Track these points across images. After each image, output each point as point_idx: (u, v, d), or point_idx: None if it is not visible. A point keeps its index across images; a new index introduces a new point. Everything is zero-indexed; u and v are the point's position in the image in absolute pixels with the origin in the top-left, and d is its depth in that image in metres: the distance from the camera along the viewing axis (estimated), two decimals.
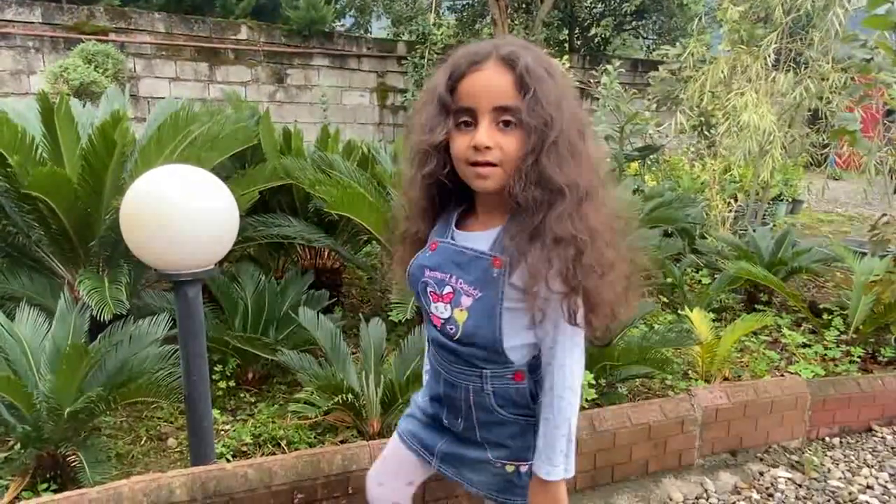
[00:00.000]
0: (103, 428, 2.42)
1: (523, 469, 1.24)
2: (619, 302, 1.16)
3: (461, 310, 1.15)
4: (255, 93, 8.87)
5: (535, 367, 1.20)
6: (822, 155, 5.83)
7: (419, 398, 1.41)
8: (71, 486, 2.00)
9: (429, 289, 1.20)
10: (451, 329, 1.18)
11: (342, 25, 11.72)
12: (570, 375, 1.14)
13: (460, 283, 1.15)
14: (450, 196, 1.22)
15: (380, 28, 12.14)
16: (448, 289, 1.17)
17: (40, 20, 7.48)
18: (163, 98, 6.91)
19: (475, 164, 1.08)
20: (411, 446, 1.37)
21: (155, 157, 2.70)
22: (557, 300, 1.10)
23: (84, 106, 3.31)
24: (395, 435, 1.42)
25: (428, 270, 1.20)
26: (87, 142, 2.50)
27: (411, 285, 1.26)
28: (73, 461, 2.03)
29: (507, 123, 1.06)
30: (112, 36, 7.81)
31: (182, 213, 1.58)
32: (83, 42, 7.09)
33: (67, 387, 1.97)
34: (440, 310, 1.19)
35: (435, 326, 1.22)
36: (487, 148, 1.05)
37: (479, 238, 1.17)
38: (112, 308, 2.23)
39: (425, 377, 1.43)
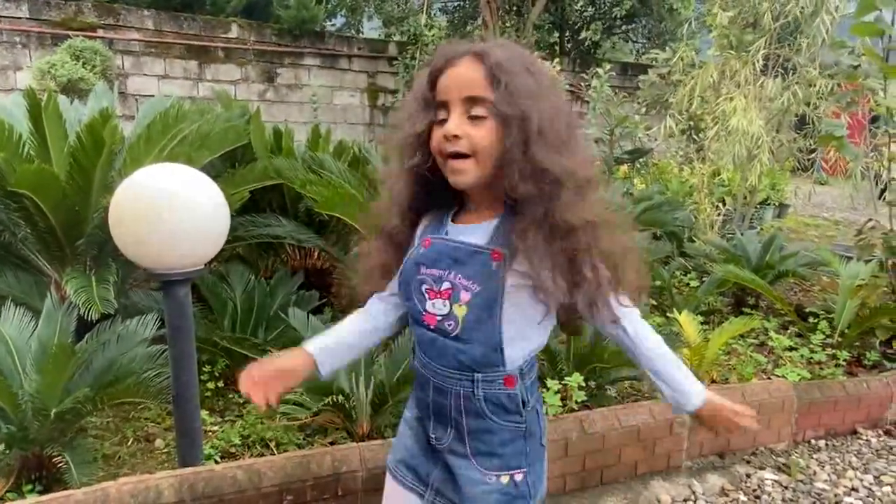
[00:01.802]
0: (90, 428, 2.40)
1: (518, 477, 1.22)
2: (642, 283, 1.21)
3: (460, 305, 1.15)
4: (244, 92, 8.82)
5: (525, 373, 1.20)
6: (808, 160, 5.89)
7: (407, 414, 1.37)
8: (56, 487, 1.97)
9: (424, 286, 1.19)
10: (450, 325, 1.16)
11: (333, 25, 11.68)
12: (648, 327, 1.27)
13: (458, 278, 1.15)
14: (433, 196, 1.22)
15: (371, 28, 12.12)
16: (446, 284, 1.16)
17: (27, 15, 7.39)
18: (151, 96, 6.86)
19: (449, 156, 1.11)
20: (404, 481, 1.31)
21: (144, 156, 2.68)
22: (594, 287, 1.12)
23: (72, 103, 3.28)
24: (387, 475, 1.36)
25: (424, 267, 1.19)
26: (74, 139, 2.47)
27: (402, 284, 1.24)
28: (59, 462, 2.01)
29: (478, 115, 1.08)
30: (100, 32, 7.74)
31: (172, 212, 1.57)
32: (71, 38, 7.02)
33: (53, 387, 1.95)
34: (437, 306, 1.17)
35: (428, 326, 1.20)
36: (456, 137, 1.08)
37: (475, 231, 1.17)
38: (99, 307, 2.21)
39: (412, 394, 1.37)
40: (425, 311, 1.19)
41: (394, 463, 1.35)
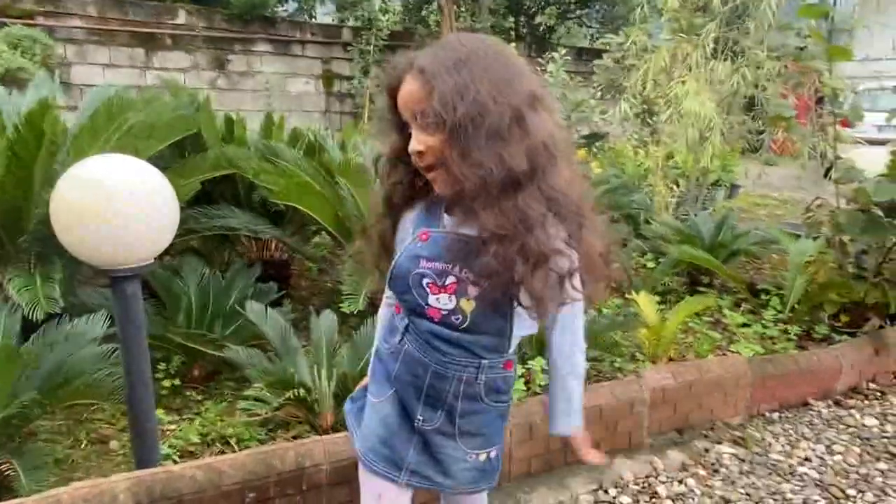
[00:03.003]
0: (40, 432, 2.31)
1: (493, 454, 1.31)
2: (605, 263, 1.21)
3: (468, 299, 1.15)
4: (194, 80, 8.58)
5: (515, 355, 1.29)
6: (758, 141, 6.03)
7: (374, 399, 1.33)
8: (6, 495, 1.89)
9: (426, 280, 1.17)
10: (457, 319, 1.17)
11: (285, 11, 11.42)
12: (580, 339, 1.32)
13: (465, 273, 1.14)
14: (421, 193, 1.24)
15: (324, 14, 11.89)
16: (451, 279, 1.15)
17: None
18: (96, 86, 6.60)
19: (424, 169, 1.14)
20: (375, 468, 1.29)
21: (88, 147, 2.58)
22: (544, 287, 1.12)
23: (10, 94, 3.13)
24: (360, 465, 1.34)
25: (424, 261, 1.17)
26: (13, 132, 2.36)
27: (398, 278, 1.21)
28: (7, 469, 1.93)
29: (427, 126, 1.09)
30: (40, 20, 7.41)
31: (117, 204, 1.50)
32: (8, 26, 6.70)
33: None
34: (442, 301, 1.17)
35: (432, 319, 1.19)
36: (420, 153, 1.11)
37: (475, 223, 1.14)
38: (45, 307, 2.13)
39: (375, 381, 1.34)
40: (428, 304, 1.18)
41: (364, 450, 1.33)
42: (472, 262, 1.12)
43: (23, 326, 2.21)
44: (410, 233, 1.23)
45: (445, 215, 1.20)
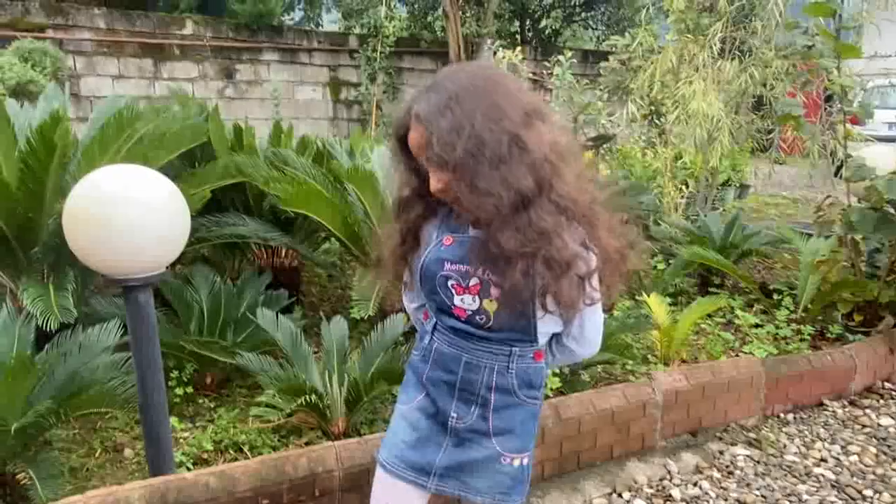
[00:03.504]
0: (55, 442, 2.32)
1: (526, 461, 1.32)
2: (622, 259, 1.23)
3: (491, 300, 1.21)
4: (203, 89, 8.63)
5: (546, 350, 1.32)
6: (767, 140, 6.00)
7: (403, 407, 1.36)
8: None
9: (451, 282, 1.23)
10: (482, 318, 1.23)
11: (291, 19, 11.49)
12: (597, 337, 1.33)
13: (488, 274, 1.19)
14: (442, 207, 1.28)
15: (330, 21, 11.96)
16: (475, 280, 1.21)
17: None
18: (106, 97, 6.66)
19: (450, 202, 1.20)
20: (402, 475, 1.31)
21: (99, 158, 2.60)
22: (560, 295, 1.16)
23: (21, 106, 3.16)
24: (378, 470, 1.36)
25: (449, 264, 1.23)
26: (25, 144, 2.38)
27: (426, 280, 1.27)
28: (23, 478, 1.94)
29: (435, 166, 1.14)
30: (49, 33, 7.49)
31: (128, 214, 1.51)
32: (18, 39, 6.77)
33: (13, 401, 1.88)
34: (467, 301, 1.23)
35: (458, 318, 1.25)
36: (441, 190, 1.16)
37: None
38: (58, 316, 2.14)
39: (413, 383, 1.37)
40: (454, 304, 1.24)
41: (389, 458, 1.34)
42: (495, 265, 1.16)
43: (37, 336, 2.23)
44: (434, 238, 1.28)
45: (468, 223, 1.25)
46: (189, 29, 8.53)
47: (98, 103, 6.68)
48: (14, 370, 1.86)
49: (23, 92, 5.92)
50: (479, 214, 1.12)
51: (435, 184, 1.16)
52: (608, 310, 2.90)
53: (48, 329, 2.14)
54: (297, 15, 11.71)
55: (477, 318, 1.23)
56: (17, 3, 7.34)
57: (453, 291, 1.23)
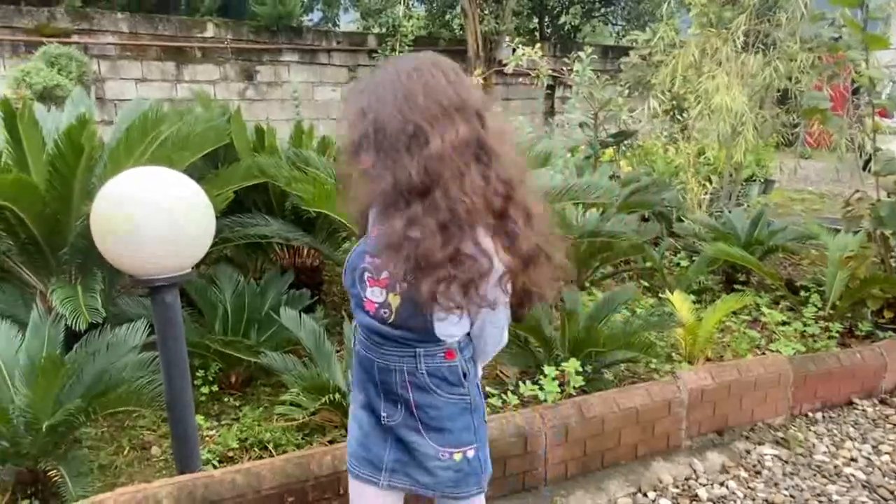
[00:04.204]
0: (84, 440, 2.37)
1: (470, 454, 1.29)
2: (547, 259, 1.21)
3: (395, 294, 1.20)
4: (224, 91, 8.71)
5: (463, 347, 1.28)
6: (792, 134, 5.90)
7: (353, 406, 1.39)
8: (53, 501, 1.95)
9: (366, 274, 1.23)
10: (385, 313, 1.22)
11: (310, 20, 11.56)
12: (498, 337, 1.31)
13: (397, 269, 1.17)
14: None
15: (348, 21, 12.00)
16: (385, 273, 1.20)
17: None
18: (130, 100, 6.76)
19: None
20: (359, 474, 1.34)
21: (124, 161, 2.64)
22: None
23: (49, 110, 3.22)
24: (349, 476, 1.38)
25: (368, 256, 1.23)
26: (52, 147, 2.43)
27: (348, 272, 1.27)
28: (54, 475, 1.98)
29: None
30: (75, 38, 7.61)
31: (154, 216, 1.53)
32: (45, 45, 6.89)
33: (44, 400, 1.91)
34: (375, 294, 1.23)
35: (368, 312, 1.25)
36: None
37: None
38: (87, 317, 2.17)
39: (356, 383, 1.38)
40: (366, 297, 1.24)
41: (349, 459, 1.38)
42: (388, 254, 1.15)
43: (66, 336, 2.27)
44: (368, 230, 1.29)
45: None
46: (210, 32, 8.62)
47: (122, 106, 6.77)
48: (45, 369, 1.89)
49: (49, 96, 6.03)
50: (371, 199, 1.16)
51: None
52: (552, 307, 2.86)
53: (77, 329, 2.18)
54: (316, 16, 11.77)
55: (381, 311, 1.22)
56: (42, 9, 7.47)
57: (367, 284, 1.23)
